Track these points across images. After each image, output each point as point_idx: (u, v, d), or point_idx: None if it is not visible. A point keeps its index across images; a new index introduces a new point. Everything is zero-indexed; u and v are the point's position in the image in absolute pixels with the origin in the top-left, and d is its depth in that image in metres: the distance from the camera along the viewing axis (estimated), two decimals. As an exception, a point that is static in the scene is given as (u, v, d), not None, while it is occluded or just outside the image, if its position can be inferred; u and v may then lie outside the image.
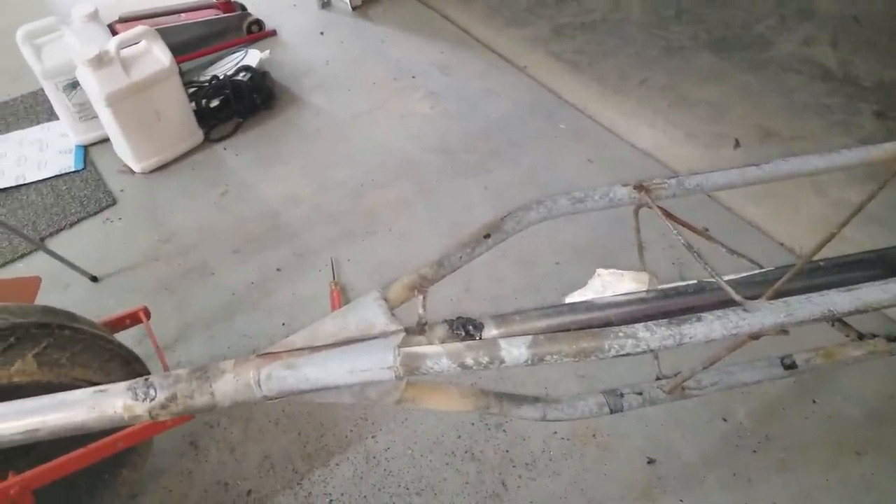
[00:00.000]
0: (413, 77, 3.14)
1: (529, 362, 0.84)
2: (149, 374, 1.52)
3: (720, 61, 3.11)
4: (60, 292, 2.17)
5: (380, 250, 2.29)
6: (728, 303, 1.03)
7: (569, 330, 0.99)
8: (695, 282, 1.07)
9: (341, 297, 2.10)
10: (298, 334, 0.96)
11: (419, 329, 0.96)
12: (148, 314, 1.61)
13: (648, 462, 1.68)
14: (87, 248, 2.35)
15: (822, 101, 2.88)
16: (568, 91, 2.99)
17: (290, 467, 1.70)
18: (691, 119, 2.81)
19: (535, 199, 1.12)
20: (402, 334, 0.94)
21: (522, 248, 2.20)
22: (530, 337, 0.85)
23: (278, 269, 2.24)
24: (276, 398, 0.92)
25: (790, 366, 1.25)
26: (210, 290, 2.19)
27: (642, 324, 0.84)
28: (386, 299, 0.99)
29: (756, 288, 1.07)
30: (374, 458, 1.71)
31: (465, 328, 0.97)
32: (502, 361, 0.85)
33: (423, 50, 3.32)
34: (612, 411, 1.16)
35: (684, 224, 1.16)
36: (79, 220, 2.45)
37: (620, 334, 0.82)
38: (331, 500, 1.64)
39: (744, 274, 1.09)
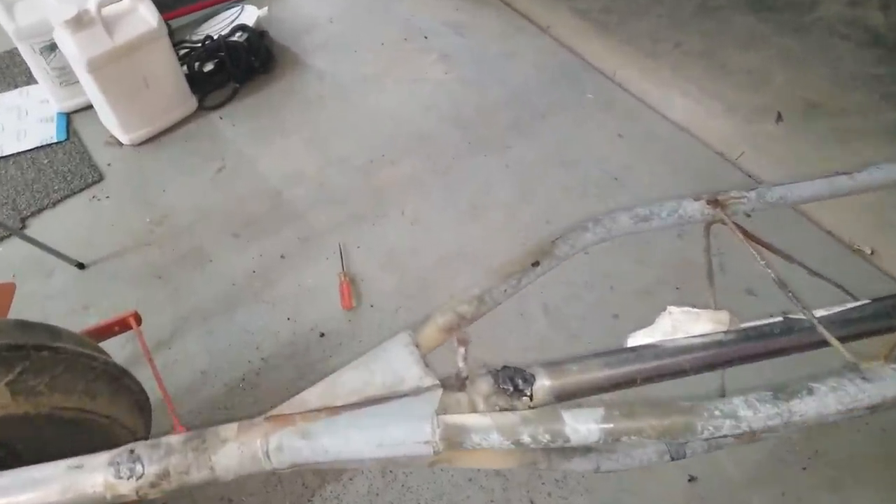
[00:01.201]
0: (425, 38, 2.92)
1: (601, 441, 0.70)
2: (140, 387, 1.38)
3: (760, 23, 2.88)
4: (44, 281, 2.02)
5: (391, 236, 2.13)
6: (821, 343, 0.88)
7: (635, 381, 0.85)
8: (780, 319, 0.92)
9: (351, 288, 1.95)
10: (313, 389, 0.82)
11: (459, 384, 0.81)
12: (139, 320, 1.47)
13: (689, 480, 1.57)
14: (73, 229, 2.19)
15: (871, 71, 2.66)
16: (595, 55, 2.77)
17: (299, 482, 1.59)
18: (729, 88, 2.60)
19: (592, 218, 0.96)
20: (440, 391, 0.79)
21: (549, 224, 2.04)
22: (601, 410, 0.70)
23: (282, 256, 2.09)
24: (289, 470, 0.78)
25: (872, 401, 1.10)
26: (207, 278, 2.04)
27: (742, 398, 0.69)
28: (417, 345, 0.84)
29: (853, 327, 0.92)
30: (391, 472, 1.59)
31: (512, 381, 0.82)
32: (567, 440, 0.70)
33: (437, 7, 3.09)
34: (673, 459, 1.03)
35: (764, 244, 1.00)
36: (62, 199, 2.28)
37: (717, 413, 0.68)
38: (343, 519, 1.53)
39: (836, 309, 0.93)
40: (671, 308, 0.89)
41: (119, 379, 1.32)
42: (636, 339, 0.90)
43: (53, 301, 1.98)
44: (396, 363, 0.82)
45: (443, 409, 0.77)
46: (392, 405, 0.78)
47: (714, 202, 0.98)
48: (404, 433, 0.74)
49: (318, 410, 0.79)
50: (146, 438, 1.41)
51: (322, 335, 1.86)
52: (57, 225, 2.21)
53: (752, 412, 0.68)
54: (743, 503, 1.53)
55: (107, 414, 1.26)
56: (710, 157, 2.36)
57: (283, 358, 1.81)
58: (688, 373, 0.86)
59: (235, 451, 0.75)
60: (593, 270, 1.97)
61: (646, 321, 0.92)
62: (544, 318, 1.87)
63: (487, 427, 0.72)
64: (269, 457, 0.75)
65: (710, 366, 0.88)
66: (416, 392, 0.80)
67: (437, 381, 0.80)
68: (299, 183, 2.32)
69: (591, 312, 1.85)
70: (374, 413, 0.77)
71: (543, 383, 0.83)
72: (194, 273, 2.06)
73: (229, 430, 0.77)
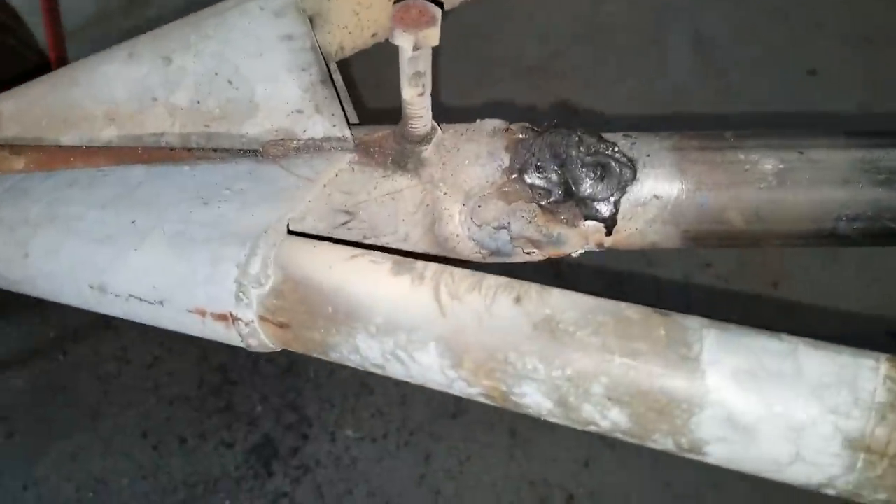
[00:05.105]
0: None
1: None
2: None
3: None
4: None
5: None
6: None
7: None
8: None
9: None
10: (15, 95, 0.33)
11: (401, 152, 0.29)
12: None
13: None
14: None
15: None
16: None
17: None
18: None
19: None
20: (347, 158, 0.28)
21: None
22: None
23: None
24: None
25: None
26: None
27: None
28: (315, 17, 0.31)
29: None
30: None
31: (564, 167, 0.29)
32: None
33: None
34: None
35: None
36: None
37: None
38: None
39: None
40: None
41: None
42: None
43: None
44: (235, 47, 0.31)
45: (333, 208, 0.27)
46: (186, 176, 0.29)
47: None
48: (179, 275, 0.25)
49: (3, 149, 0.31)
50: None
51: None
52: None
53: None
54: None
55: None
56: None
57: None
58: None
59: None
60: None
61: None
62: (693, 53, 1.26)
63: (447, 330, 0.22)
64: None
65: None
66: (276, 150, 0.29)
67: (346, 134, 0.29)
68: None
69: (773, 61, 1.22)
70: (131, 187, 0.28)
71: (658, 190, 0.29)
72: None
73: None
